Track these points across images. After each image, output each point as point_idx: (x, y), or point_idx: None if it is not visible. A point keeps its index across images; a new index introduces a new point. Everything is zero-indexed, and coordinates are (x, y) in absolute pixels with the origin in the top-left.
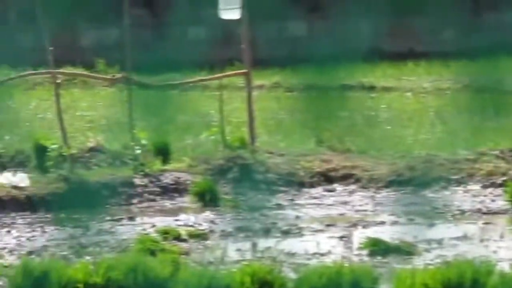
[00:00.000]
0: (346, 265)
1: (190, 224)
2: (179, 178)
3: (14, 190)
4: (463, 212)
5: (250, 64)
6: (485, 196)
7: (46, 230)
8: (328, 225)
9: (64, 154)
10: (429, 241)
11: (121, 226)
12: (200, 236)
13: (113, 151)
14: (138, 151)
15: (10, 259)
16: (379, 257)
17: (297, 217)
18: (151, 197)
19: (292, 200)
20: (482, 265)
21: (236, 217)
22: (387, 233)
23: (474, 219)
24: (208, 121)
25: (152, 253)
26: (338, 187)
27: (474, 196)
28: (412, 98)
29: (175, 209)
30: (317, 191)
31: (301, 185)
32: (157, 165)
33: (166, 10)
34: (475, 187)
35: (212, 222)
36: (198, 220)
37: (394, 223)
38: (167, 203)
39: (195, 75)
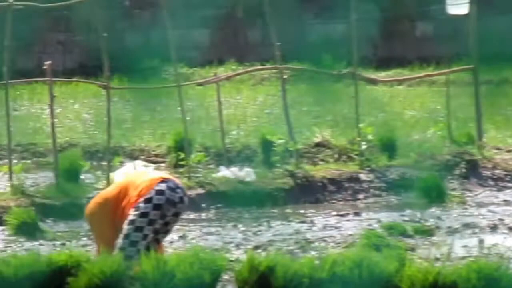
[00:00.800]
0: None
1: (416, 219)
2: (405, 173)
3: (240, 185)
4: None
5: (477, 59)
6: None
7: (272, 224)
8: None
9: (290, 149)
10: None
11: (347, 221)
12: (426, 232)
13: (339, 146)
14: (364, 147)
15: (236, 253)
16: None
17: None
18: (377, 192)
19: None
20: None
21: (463, 213)
22: None
23: None
24: (434, 116)
25: (378, 248)
26: None
27: None
28: None
29: (401, 205)
30: None
31: None
32: (383, 160)
33: (394, 5)
34: None
35: (438, 218)
36: (424, 216)
37: None
38: (393, 199)
39: (422, 70)
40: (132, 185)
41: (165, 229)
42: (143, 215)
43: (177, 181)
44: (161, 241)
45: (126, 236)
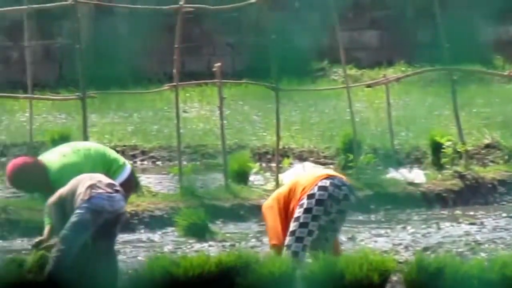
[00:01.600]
0: None
1: None
2: None
3: (409, 187)
4: None
5: None
6: None
7: (442, 226)
8: None
9: (460, 150)
10: None
11: None
12: None
13: (509, 147)
14: None
15: (405, 255)
16: None
17: None
18: None
19: None
20: None
21: None
22: None
23: None
24: None
25: None
26: None
27: None
28: None
29: None
30: None
31: None
32: None
33: None
34: None
35: None
36: None
37: None
38: None
39: None
40: (299, 184)
41: (332, 227)
42: (307, 211)
43: (345, 179)
44: (330, 240)
45: (292, 233)
